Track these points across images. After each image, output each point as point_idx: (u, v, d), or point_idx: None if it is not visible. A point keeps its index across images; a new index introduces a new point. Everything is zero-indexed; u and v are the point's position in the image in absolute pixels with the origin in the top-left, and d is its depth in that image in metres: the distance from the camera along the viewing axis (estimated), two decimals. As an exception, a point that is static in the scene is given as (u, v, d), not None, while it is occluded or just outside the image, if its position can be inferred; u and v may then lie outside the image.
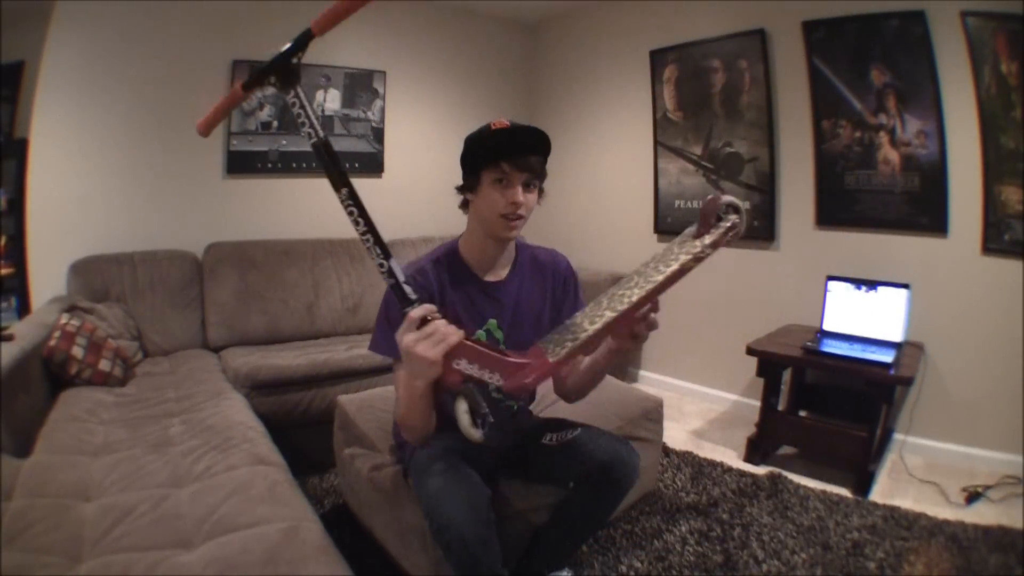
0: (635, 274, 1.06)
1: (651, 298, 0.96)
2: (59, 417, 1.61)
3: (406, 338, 0.90)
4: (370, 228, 0.92)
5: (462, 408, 0.94)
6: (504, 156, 1.14)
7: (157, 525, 1.11)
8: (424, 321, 0.90)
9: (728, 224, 1.00)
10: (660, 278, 0.96)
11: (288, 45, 0.88)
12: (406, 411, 1.06)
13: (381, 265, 0.94)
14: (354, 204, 0.92)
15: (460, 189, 1.25)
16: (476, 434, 0.94)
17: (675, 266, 0.97)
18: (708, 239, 0.99)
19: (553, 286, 1.36)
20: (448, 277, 1.25)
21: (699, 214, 1.03)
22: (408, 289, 0.93)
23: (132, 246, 2.55)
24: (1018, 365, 2.11)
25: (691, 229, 1.06)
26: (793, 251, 2.74)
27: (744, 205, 1.03)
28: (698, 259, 0.98)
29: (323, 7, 0.87)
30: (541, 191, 1.24)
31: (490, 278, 1.29)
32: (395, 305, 1.19)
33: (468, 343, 0.92)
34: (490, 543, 1.15)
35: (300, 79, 0.89)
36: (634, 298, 0.95)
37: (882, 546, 1.70)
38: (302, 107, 0.88)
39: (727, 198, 1.02)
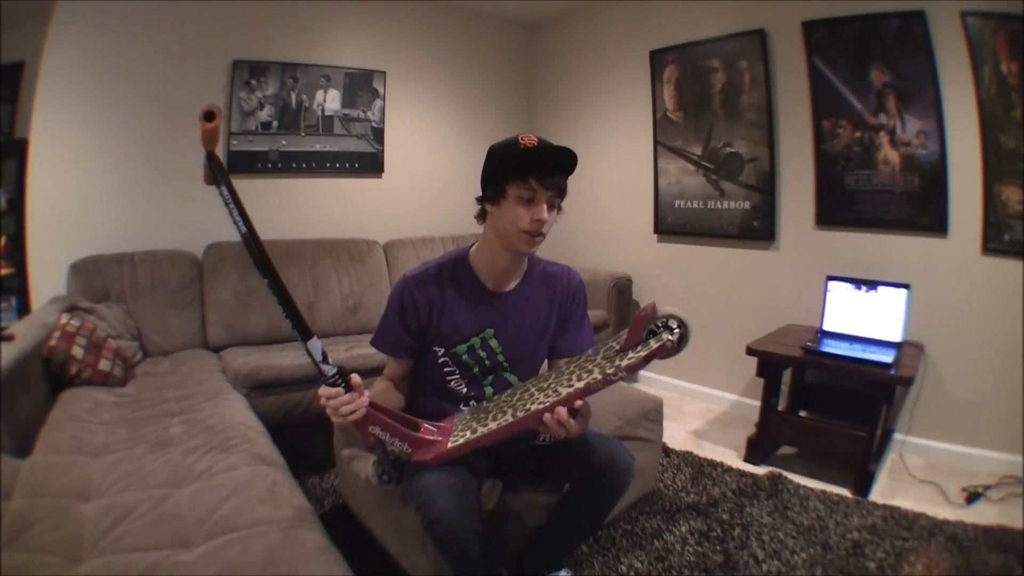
0: (553, 371, 1.10)
1: (550, 410, 0.99)
2: (59, 417, 1.61)
3: (320, 402, 1.03)
4: (291, 313, 0.99)
5: (370, 471, 1.12)
6: (534, 173, 1.14)
7: (157, 525, 1.11)
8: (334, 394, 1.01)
9: (656, 345, 0.94)
10: (565, 392, 0.99)
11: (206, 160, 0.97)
12: None
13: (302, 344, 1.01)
14: (276, 292, 0.99)
15: (480, 200, 1.25)
16: (375, 481, 1.13)
17: (580, 384, 0.97)
18: (626, 361, 0.95)
19: (561, 301, 1.36)
20: (452, 283, 1.27)
21: (632, 325, 0.99)
22: (324, 368, 1.02)
23: (132, 246, 2.55)
24: (1018, 365, 2.11)
25: (621, 337, 1.03)
26: (793, 251, 2.74)
27: (686, 318, 0.95)
28: (608, 382, 0.96)
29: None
30: (560, 208, 1.25)
31: (496, 288, 1.30)
32: (399, 305, 1.26)
33: (381, 417, 1.05)
34: (481, 534, 1.16)
35: (225, 178, 0.96)
36: (533, 407, 1.00)
37: (882, 546, 1.70)
38: (226, 204, 0.98)
39: (668, 310, 0.95)
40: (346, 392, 1.01)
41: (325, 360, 1.00)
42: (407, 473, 1.17)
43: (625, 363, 0.95)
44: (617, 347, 1.02)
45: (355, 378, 1.03)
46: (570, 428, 1.01)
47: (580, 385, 0.97)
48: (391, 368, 1.33)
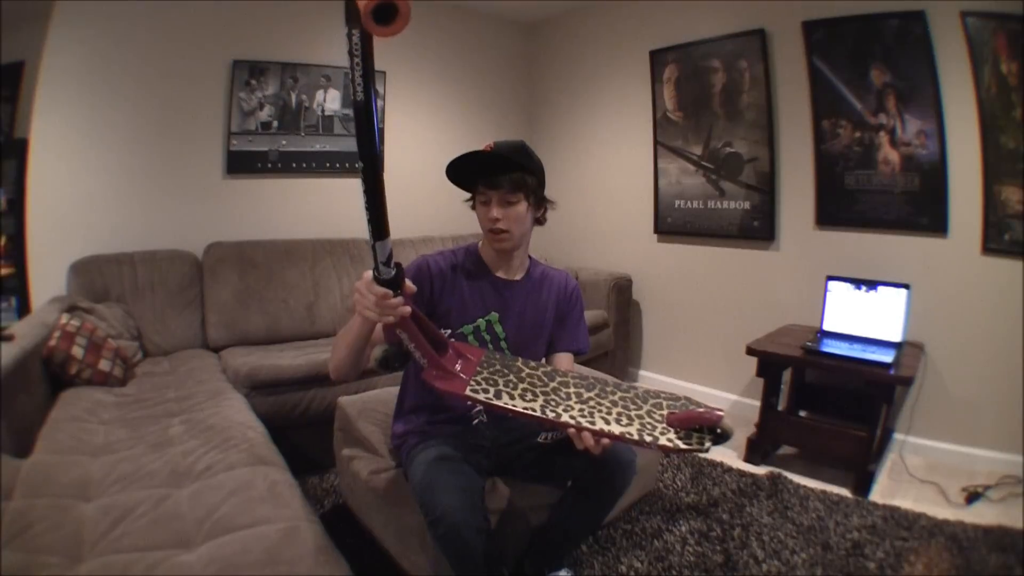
0: (598, 387, 1.07)
1: (574, 429, 0.98)
2: (59, 417, 1.61)
3: (361, 283, 0.97)
4: (374, 209, 0.90)
5: (376, 354, 1.10)
6: (481, 178, 1.27)
7: (157, 525, 1.11)
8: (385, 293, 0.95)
9: (695, 447, 0.96)
10: (599, 424, 0.98)
11: None
12: (341, 334, 1.16)
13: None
14: (367, 181, 0.90)
15: (472, 207, 1.37)
16: (374, 363, 1.13)
17: (616, 430, 0.98)
18: (664, 439, 0.96)
19: (558, 300, 1.44)
20: (464, 267, 1.36)
21: (690, 413, 0.99)
22: (383, 269, 0.94)
23: (132, 246, 2.55)
24: (1018, 365, 2.11)
25: (675, 403, 1.03)
26: (793, 251, 2.74)
27: (733, 434, 0.97)
28: (640, 444, 0.97)
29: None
30: (543, 201, 1.35)
31: (503, 276, 1.38)
32: (414, 274, 1.28)
33: (414, 328, 1.00)
34: (484, 533, 1.16)
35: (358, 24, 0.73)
36: (562, 418, 0.99)
37: (882, 546, 1.70)
38: (350, 54, 0.75)
39: (727, 426, 0.97)
40: (395, 296, 0.96)
41: (388, 263, 0.94)
42: (410, 468, 1.13)
43: (661, 442, 0.96)
44: (666, 411, 1.02)
45: (409, 287, 0.98)
46: (590, 450, 1.01)
47: (616, 431, 0.98)
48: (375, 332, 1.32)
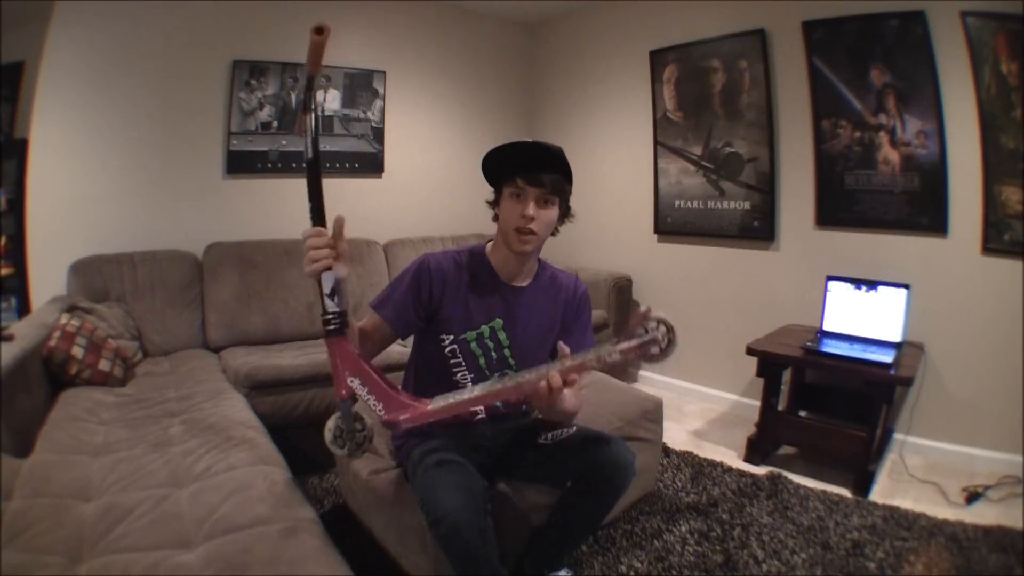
0: (544, 367, 1.10)
1: (544, 377, 1.02)
2: (59, 417, 1.61)
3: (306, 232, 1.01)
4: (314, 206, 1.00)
5: (330, 425, 1.04)
6: (520, 172, 1.21)
7: (157, 525, 1.11)
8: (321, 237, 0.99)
9: (647, 337, 1.00)
10: (557, 365, 1.03)
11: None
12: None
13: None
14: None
15: (490, 203, 1.34)
16: (337, 451, 1.06)
17: (576, 362, 1.02)
18: (620, 345, 1.01)
19: (566, 306, 1.41)
20: (469, 270, 1.33)
21: (626, 327, 1.05)
22: (328, 301, 1.00)
23: (132, 246, 2.55)
24: (1018, 365, 2.11)
25: (612, 347, 1.07)
26: (793, 251, 2.74)
27: (673, 323, 1.01)
28: (602, 363, 1.01)
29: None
30: (567, 211, 1.32)
31: (509, 282, 1.35)
32: (415, 277, 1.28)
33: (368, 370, 1.02)
34: (486, 533, 1.16)
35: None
36: (521, 379, 1.04)
37: (882, 546, 1.70)
38: (305, 130, 1.01)
39: (658, 314, 1.01)
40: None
41: (332, 296, 0.99)
42: (365, 449, 1.11)
43: (620, 348, 1.01)
44: (612, 347, 1.07)
45: (354, 326, 1.01)
46: (563, 401, 1.04)
47: (576, 362, 1.02)
48: (373, 323, 1.29)
